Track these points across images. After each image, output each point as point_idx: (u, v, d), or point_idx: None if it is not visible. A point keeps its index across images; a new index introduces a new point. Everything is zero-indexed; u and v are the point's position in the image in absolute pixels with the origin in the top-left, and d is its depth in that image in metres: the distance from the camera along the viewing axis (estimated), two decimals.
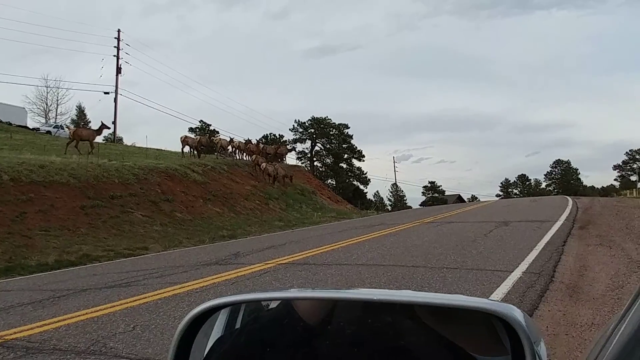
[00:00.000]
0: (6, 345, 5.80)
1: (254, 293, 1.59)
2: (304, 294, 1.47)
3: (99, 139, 34.94)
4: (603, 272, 8.74)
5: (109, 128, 34.89)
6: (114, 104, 54.78)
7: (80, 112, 75.51)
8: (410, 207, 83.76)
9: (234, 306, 1.45)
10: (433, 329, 1.21)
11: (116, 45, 56.13)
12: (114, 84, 55.55)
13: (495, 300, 1.15)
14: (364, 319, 1.27)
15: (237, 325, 1.44)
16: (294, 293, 1.50)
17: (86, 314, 7.28)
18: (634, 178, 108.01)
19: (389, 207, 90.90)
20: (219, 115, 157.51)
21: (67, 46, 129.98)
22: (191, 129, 73.24)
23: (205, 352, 1.37)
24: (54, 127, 55.21)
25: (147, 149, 43.29)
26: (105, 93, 55.56)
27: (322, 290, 1.44)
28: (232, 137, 44.80)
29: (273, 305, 1.44)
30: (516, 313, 1.12)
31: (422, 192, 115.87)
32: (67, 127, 58.19)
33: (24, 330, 6.45)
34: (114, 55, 56.02)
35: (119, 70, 55.72)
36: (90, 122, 74.30)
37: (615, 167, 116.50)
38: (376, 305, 1.26)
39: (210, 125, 75.36)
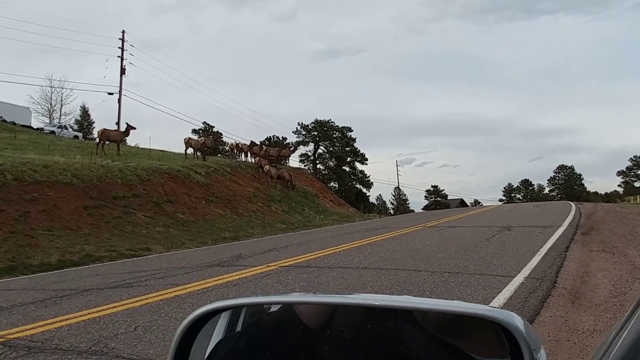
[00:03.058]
0: (8, 345, 5.81)
1: (255, 297, 1.59)
2: (305, 299, 1.47)
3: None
4: (605, 279, 8.72)
5: (135, 129, 34.80)
6: (117, 104, 54.79)
7: (84, 112, 75.67)
8: (412, 211, 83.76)
9: (235, 309, 1.45)
10: (433, 335, 1.21)
11: (120, 46, 56.15)
12: (118, 85, 55.55)
13: (495, 307, 1.15)
14: (364, 324, 1.28)
15: (238, 328, 1.44)
16: (295, 297, 1.50)
17: (88, 314, 7.28)
18: (638, 184, 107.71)
19: (392, 211, 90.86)
20: (222, 117, 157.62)
21: (72, 46, 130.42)
22: (194, 131, 73.36)
23: (206, 355, 1.37)
24: (57, 127, 55.29)
25: (150, 150, 43.27)
26: (109, 94, 55.48)
27: (324, 295, 1.44)
28: (238, 142, 45.18)
29: (274, 308, 1.44)
30: (516, 320, 1.11)
31: (425, 196, 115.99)
32: (71, 126, 58.50)
33: (26, 330, 6.45)
34: (119, 56, 56.01)
35: (123, 71, 55.69)
36: (94, 122, 74.70)
37: (619, 173, 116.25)
38: (377, 310, 1.26)
39: (214, 127, 75.45)
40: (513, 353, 1.08)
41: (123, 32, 56.70)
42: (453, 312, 1.20)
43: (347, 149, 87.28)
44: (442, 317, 1.21)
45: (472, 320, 1.17)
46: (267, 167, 39.70)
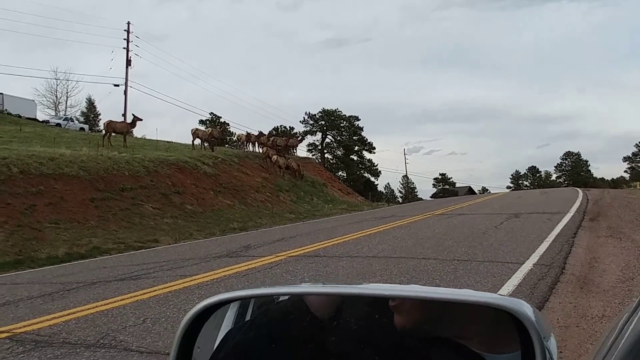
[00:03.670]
0: (15, 339, 5.81)
1: (263, 288, 1.59)
2: (313, 289, 1.46)
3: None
4: (613, 264, 8.73)
5: (141, 120, 34.69)
6: (124, 96, 54.85)
7: (90, 104, 75.74)
8: (421, 199, 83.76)
9: (244, 299, 1.45)
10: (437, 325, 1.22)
11: (126, 37, 56.13)
12: (124, 77, 55.59)
13: (504, 295, 1.12)
14: (371, 314, 1.27)
15: (247, 318, 1.43)
16: (302, 288, 1.48)
17: (96, 307, 7.29)
18: None
19: (400, 199, 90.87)
20: (229, 107, 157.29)
21: (77, 38, 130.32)
22: (201, 122, 73.45)
23: (216, 345, 1.37)
24: (63, 120, 55.40)
25: (157, 141, 43.27)
26: (115, 85, 55.53)
27: (331, 285, 1.44)
28: (249, 132, 45.31)
29: (282, 298, 1.44)
30: (526, 308, 1.10)
31: (433, 184, 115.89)
32: (77, 119, 58.60)
33: (34, 324, 6.46)
34: (124, 48, 56.02)
35: (128, 62, 55.70)
36: (100, 114, 74.82)
37: (625, 159, 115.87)
38: (384, 300, 1.24)
39: (221, 117, 75.51)
40: (523, 341, 1.06)
41: (128, 23, 56.72)
42: (461, 300, 1.19)
43: (354, 137, 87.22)
44: (449, 306, 1.20)
45: (481, 309, 1.16)
46: (275, 157, 39.67)
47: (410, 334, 1.21)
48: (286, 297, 1.42)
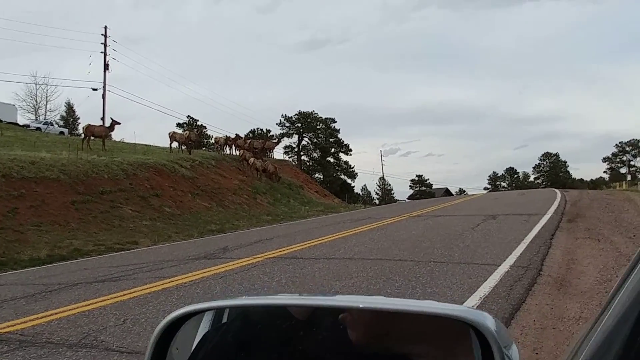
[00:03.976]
0: (0, 339, 5.86)
1: (238, 298, 1.61)
2: (288, 301, 1.47)
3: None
4: (591, 266, 8.77)
5: (119, 124, 34.95)
6: (102, 100, 54.56)
7: (69, 108, 75.18)
8: (397, 201, 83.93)
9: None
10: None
11: (103, 42, 55.83)
12: (102, 81, 55.28)
13: (467, 307, 1.18)
14: (336, 325, 1.25)
15: (224, 320, 1.45)
16: (278, 300, 1.51)
17: (77, 307, 7.33)
18: (623, 170, 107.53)
19: (377, 201, 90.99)
20: (207, 110, 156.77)
21: (56, 43, 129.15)
22: (179, 125, 73.11)
23: (193, 347, 1.39)
24: (43, 124, 55.03)
25: (135, 144, 43.09)
26: (94, 89, 55.31)
27: (305, 296, 1.43)
28: (227, 135, 45.34)
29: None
30: (487, 320, 1.12)
31: (410, 186, 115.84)
32: (56, 123, 58.18)
33: (17, 324, 6.51)
34: (102, 52, 55.76)
35: (106, 66, 55.50)
36: (79, 118, 74.30)
37: (605, 159, 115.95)
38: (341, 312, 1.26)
39: (198, 120, 75.18)
40: (485, 354, 1.09)
41: (105, 27, 56.51)
42: (424, 312, 1.20)
43: (331, 140, 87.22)
44: (412, 319, 1.20)
45: (442, 321, 1.18)
46: (252, 159, 39.69)
47: (362, 349, 1.22)
48: (262, 302, 1.46)
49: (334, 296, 1.45)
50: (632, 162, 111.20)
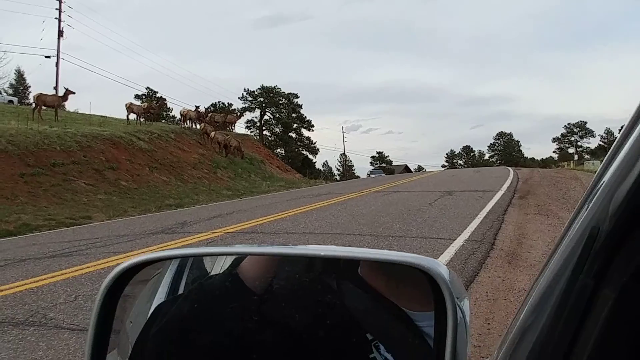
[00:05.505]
0: None
1: (194, 248, 1.55)
2: (248, 250, 1.42)
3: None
4: (540, 240, 9.06)
5: (74, 93, 33.64)
6: (55, 68, 53.01)
7: (20, 76, 73.10)
8: (358, 177, 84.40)
9: (177, 270, 1.41)
10: (369, 284, 1.20)
11: (58, 7, 54.13)
12: (56, 48, 53.68)
13: (423, 256, 1.13)
14: (301, 276, 1.26)
15: (180, 292, 1.38)
16: (237, 248, 1.46)
17: (25, 284, 7.11)
18: (571, 150, 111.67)
19: (338, 177, 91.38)
20: (166, 82, 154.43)
21: (5, 5, 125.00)
22: (137, 96, 72.02)
23: (147, 317, 1.31)
24: None
25: (90, 115, 42.15)
26: (46, 57, 53.50)
27: (266, 246, 1.41)
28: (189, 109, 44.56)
29: (216, 270, 1.41)
30: (440, 267, 1.09)
31: (370, 162, 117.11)
32: (5, 91, 56.42)
33: None
34: (56, 18, 54.02)
35: (60, 33, 53.70)
36: (30, 87, 72.41)
37: (554, 140, 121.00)
38: (314, 261, 1.25)
39: (157, 92, 74.05)
40: (437, 301, 1.06)
41: None
42: (379, 259, 1.18)
43: (293, 115, 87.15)
44: (378, 266, 1.20)
45: (402, 268, 1.14)
46: (213, 133, 39.26)
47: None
48: (220, 271, 1.38)
49: (296, 246, 1.39)
50: (579, 143, 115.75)
